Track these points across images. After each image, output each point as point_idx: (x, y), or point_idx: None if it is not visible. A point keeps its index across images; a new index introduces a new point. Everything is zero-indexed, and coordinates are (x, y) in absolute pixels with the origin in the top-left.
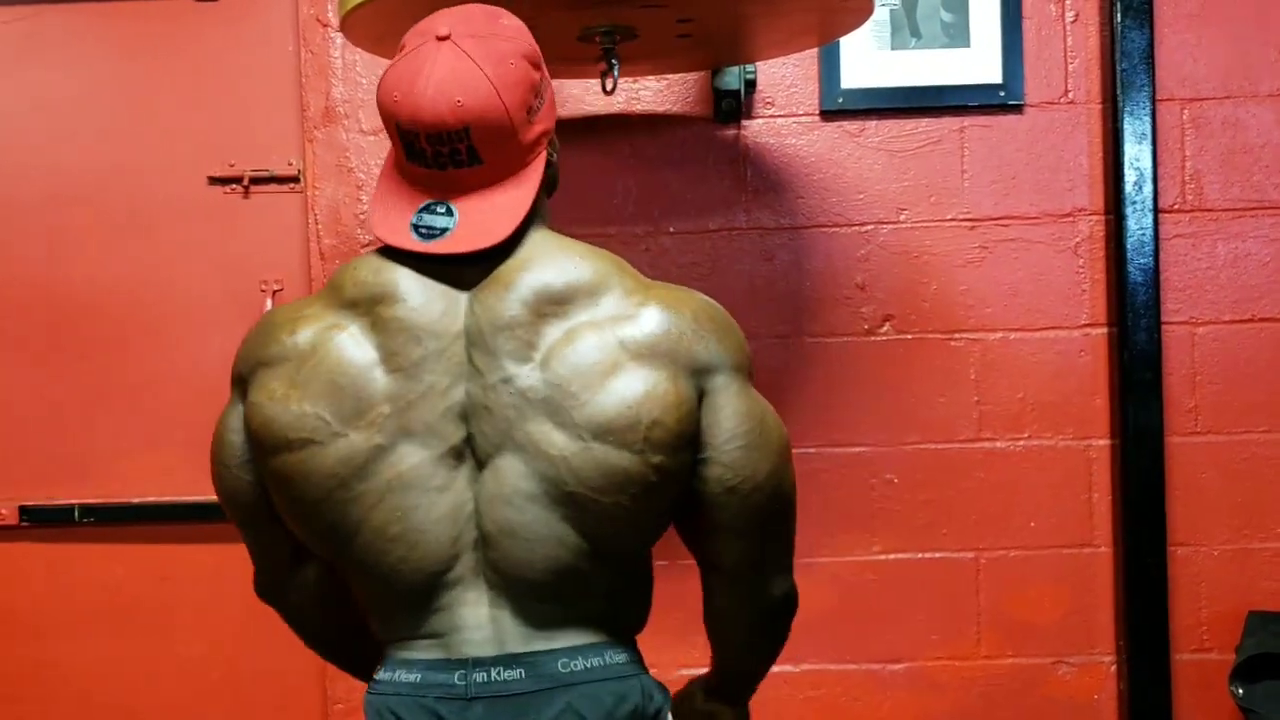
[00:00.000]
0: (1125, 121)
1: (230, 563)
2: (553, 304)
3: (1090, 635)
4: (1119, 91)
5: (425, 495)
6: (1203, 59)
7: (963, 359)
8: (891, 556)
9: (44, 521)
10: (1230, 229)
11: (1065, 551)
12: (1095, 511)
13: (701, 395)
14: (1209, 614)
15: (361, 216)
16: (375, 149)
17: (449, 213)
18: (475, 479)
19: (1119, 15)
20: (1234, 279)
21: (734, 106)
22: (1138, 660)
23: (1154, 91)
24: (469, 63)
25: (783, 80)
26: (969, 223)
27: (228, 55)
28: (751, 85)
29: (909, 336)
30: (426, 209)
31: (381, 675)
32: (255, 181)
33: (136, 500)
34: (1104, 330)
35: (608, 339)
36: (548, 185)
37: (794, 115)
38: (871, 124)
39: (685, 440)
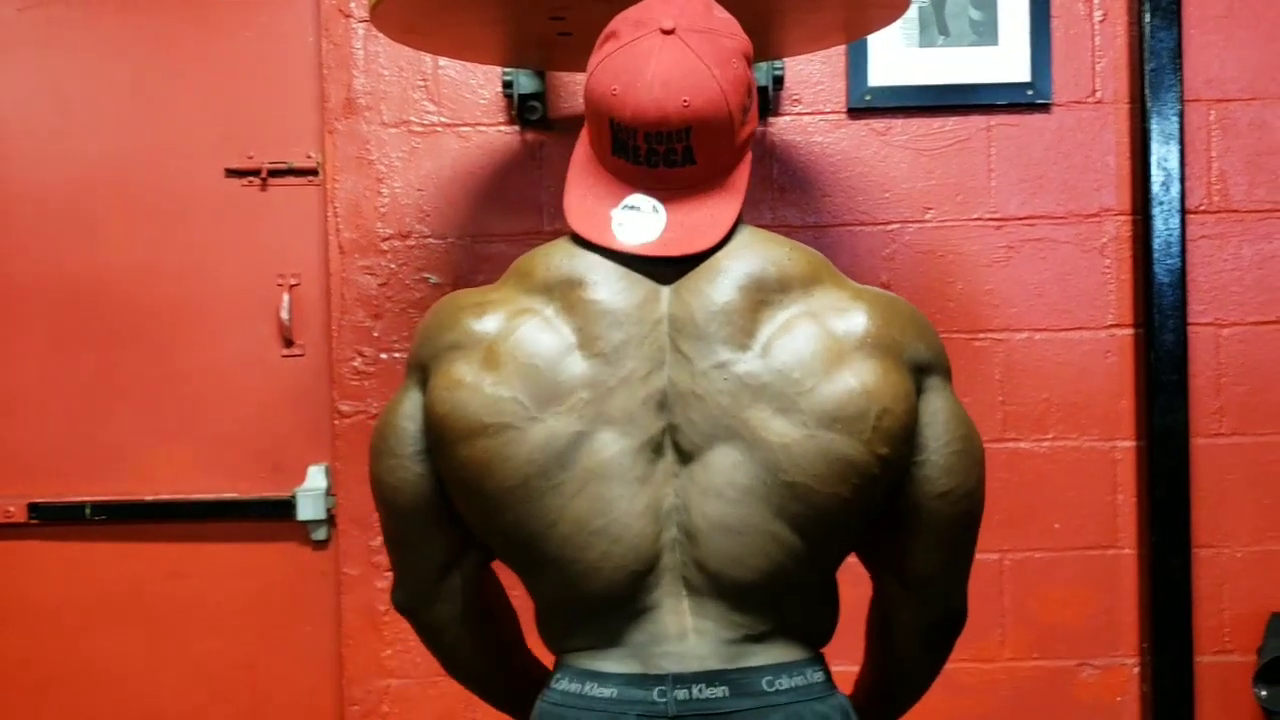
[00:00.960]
0: (1153, 122)
1: (244, 561)
2: (769, 292)
3: (1114, 637)
4: (1147, 91)
5: (627, 486)
6: (1230, 60)
7: (988, 359)
8: None
9: (54, 519)
10: (1256, 230)
11: (1090, 553)
12: (1120, 513)
13: (919, 394)
14: (1231, 615)
15: (382, 210)
16: (396, 141)
17: (655, 211)
18: (676, 472)
19: (1147, 15)
20: (1259, 280)
21: (761, 103)
22: (1160, 662)
23: (1182, 92)
24: (697, 61)
25: (810, 77)
26: (995, 222)
27: (247, 45)
28: (779, 82)
29: None
30: (630, 206)
31: (564, 685)
32: (273, 174)
33: (149, 497)
34: (1130, 331)
35: (828, 329)
36: None
37: (821, 113)
38: (898, 122)
39: (908, 434)
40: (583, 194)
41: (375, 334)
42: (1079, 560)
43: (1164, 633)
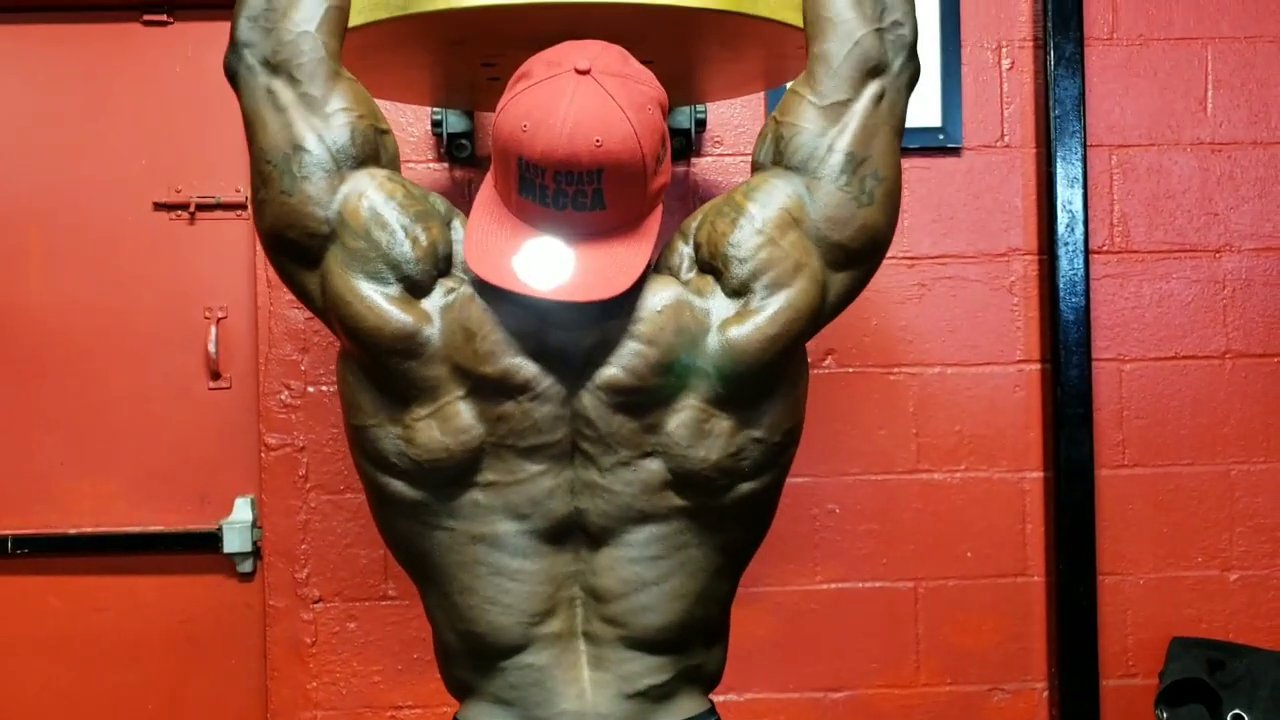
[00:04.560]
0: (1058, 165)
1: (169, 593)
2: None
3: (1024, 662)
4: (1052, 137)
5: (540, 558)
6: (1130, 108)
7: (902, 393)
8: (833, 586)
9: None
10: (1155, 270)
11: (1000, 581)
12: (1029, 542)
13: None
14: (1135, 640)
15: None
16: None
17: (562, 253)
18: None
19: (1052, 65)
20: (1158, 318)
21: (684, 145)
22: (1068, 686)
23: (1085, 137)
24: (611, 103)
25: (731, 120)
26: (908, 261)
27: (177, 79)
28: (701, 124)
29: (850, 370)
30: (537, 247)
31: None
32: (201, 208)
33: (73, 530)
34: (1037, 366)
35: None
36: None
37: (741, 154)
38: None
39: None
40: (485, 234)
41: (302, 367)
42: (990, 588)
43: (1071, 657)
